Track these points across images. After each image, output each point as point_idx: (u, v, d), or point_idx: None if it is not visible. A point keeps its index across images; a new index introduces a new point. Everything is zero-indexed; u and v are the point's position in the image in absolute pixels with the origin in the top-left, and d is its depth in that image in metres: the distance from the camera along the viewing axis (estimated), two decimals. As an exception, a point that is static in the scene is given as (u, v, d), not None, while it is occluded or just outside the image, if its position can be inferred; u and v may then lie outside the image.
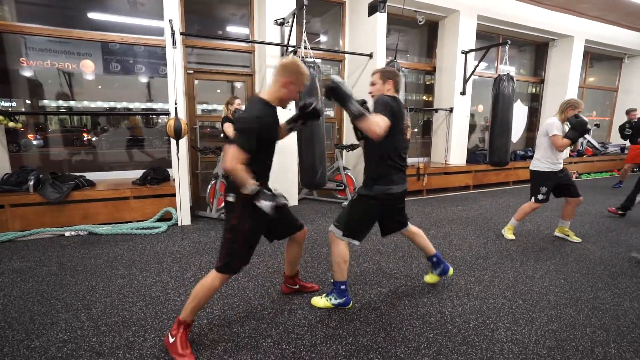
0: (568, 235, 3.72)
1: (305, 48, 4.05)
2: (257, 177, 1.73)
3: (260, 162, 1.81)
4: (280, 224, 2.11)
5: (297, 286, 2.50)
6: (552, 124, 3.38)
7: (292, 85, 1.83)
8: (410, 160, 6.44)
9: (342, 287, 2.26)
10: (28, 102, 4.26)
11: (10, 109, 4.12)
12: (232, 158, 1.64)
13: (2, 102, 4.03)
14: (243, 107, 3.83)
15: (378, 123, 1.89)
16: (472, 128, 7.53)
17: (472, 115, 7.48)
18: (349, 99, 1.86)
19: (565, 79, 7.52)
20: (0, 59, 3.97)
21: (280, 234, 2.19)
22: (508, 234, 3.78)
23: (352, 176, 5.33)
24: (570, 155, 7.93)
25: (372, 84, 2.21)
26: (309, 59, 3.96)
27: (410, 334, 2.03)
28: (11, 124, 3.81)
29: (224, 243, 1.84)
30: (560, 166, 3.48)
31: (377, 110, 1.99)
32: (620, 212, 4.63)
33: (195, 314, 1.86)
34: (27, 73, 4.16)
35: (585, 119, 3.22)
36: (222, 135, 4.38)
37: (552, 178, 3.47)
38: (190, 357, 1.76)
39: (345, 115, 5.89)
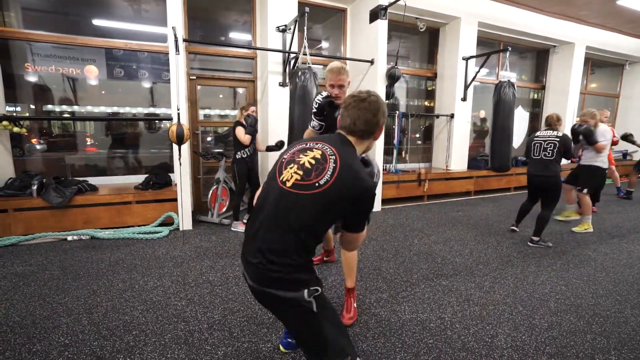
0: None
1: (304, 54, 4.09)
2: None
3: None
4: None
5: None
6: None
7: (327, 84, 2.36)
8: (411, 166, 6.46)
9: None
10: (32, 107, 4.31)
11: (14, 114, 4.17)
12: None
13: (7, 107, 4.07)
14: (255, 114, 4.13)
15: None
16: (484, 134, 7.56)
17: (484, 120, 7.52)
18: None
19: (567, 85, 7.54)
20: (6, 65, 4.02)
21: None
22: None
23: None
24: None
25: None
26: (304, 65, 4.00)
27: (409, 340, 2.03)
28: (16, 129, 3.85)
29: None
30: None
31: None
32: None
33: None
34: (32, 78, 4.21)
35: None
36: (230, 138, 4.47)
37: None
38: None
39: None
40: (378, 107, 1.26)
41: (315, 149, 1.20)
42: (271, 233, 1.14)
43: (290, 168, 1.18)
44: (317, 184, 1.11)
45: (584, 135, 4.01)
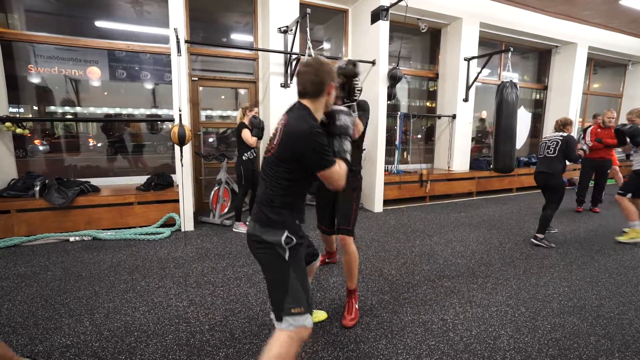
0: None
1: (310, 55, 4.09)
2: None
3: None
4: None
5: None
6: None
7: None
8: (413, 167, 6.45)
9: None
10: (35, 108, 4.33)
11: (17, 115, 4.19)
12: None
13: (10, 108, 4.09)
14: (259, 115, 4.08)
15: None
16: (486, 134, 7.56)
17: (483, 121, 7.52)
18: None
19: (569, 85, 7.51)
20: (10, 66, 4.04)
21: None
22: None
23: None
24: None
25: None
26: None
27: (411, 342, 2.02)
28: (19, 131, 3.87)
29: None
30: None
31: None
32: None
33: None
34: (35, 80, 4.23)
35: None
36: (233, 139, 4.44)
37: None
38: None
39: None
40: (318, 66, 1.46)
41: (278, 123, 1.49)
42: (261, 189, 1.50)
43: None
44: (274, 144, 1.44)
45: (631, 136, 3.65)
